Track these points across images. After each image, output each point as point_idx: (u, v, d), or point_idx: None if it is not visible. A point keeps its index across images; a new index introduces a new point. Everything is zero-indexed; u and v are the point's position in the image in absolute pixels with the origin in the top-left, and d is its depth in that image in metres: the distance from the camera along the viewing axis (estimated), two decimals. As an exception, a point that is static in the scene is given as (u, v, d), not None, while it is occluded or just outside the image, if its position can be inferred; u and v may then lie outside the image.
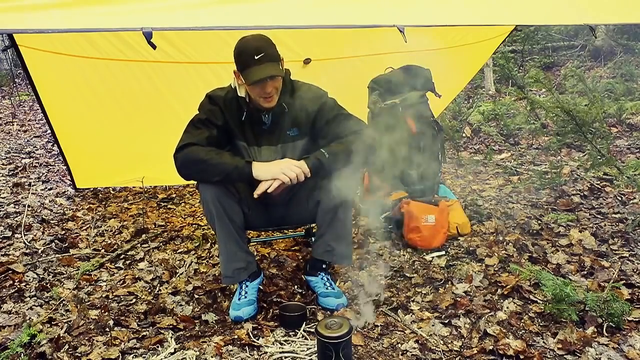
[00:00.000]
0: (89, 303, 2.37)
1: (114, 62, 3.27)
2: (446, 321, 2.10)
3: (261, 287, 2.38)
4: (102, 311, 2.27)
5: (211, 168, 2.04)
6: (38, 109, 7.05)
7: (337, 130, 2.18)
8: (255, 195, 2.07)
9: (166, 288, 2.51)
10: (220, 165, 2.05)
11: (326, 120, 2.21)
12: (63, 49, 3.14)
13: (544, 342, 1.93)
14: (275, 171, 2.05)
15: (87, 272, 2.68)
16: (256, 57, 1.97)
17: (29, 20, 1.44)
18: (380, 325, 2.09)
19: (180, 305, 2.33)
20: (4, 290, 2.49)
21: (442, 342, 1.97)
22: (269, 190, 2.04)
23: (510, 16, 2.26)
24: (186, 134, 2.14)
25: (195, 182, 2.13)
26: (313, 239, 2.39)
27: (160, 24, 1.57)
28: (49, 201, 3.85)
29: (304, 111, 2.21)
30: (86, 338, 2.08)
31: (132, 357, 1.96)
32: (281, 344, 2.01)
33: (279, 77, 2.08)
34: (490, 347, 1.89)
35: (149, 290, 2.50)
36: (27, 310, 2.31)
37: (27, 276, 2.63)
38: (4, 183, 4.29)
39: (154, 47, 1.49)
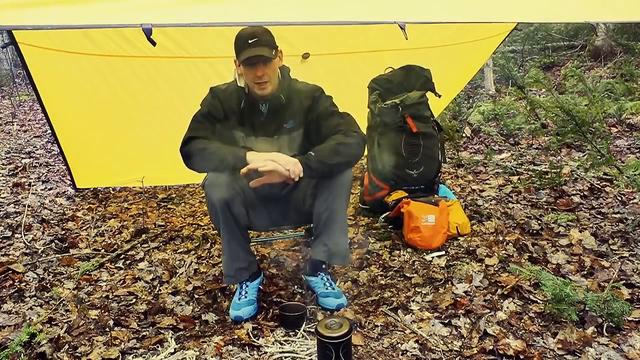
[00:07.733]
0: (89, 303, 2.37)
1: (114, 59, 3.27)
2: (446, 321, 2.10)
3: (261, 287, 2.38)
4: (102, 311, 2.27)
5: (210, 155, 2.08)
6: (38, 109, 7.07)
7: (330, 125, 2.19)
8: (252, 185, 2.05)
9: (166, 288, 2.50)
10: (219, 152, 2.09)
11: (318, 113, 2.23)
12: (63, 46, 3.13)
13: (544, 342, 1.92)
14: (267, 159, 2.04)
15: (87, 272, 2.68)
16: (250, 41, 2.04)
17: (28, 17, 1.43)
18: (380, 325, 2.09)
19: (180, 305, 2.33)
20: (4, 290, 2.48)
21: (442, 342, 1.97)
22: (260, 169, 1.98)
23: (512, 13, 2.25)
24: (190, 129, 2.20)
25: (200, 182, 2.17)
26: (312, 238, 2.39)
27: (160, 20, 1.57)
28: (49, 201, 3.85)
29: (299, 103, 2.25)
30: (86, 338, 2.07)
31: (132, 357, 1.95)
32: (281, 344, 2.01)
33: (271, 64, 2.11)
34: (490, 347, 1.89)
35: (149, 290, 2.49)
36: (27, 310, 2.30)
37: (27, 276, 2.63)
38: (4, 183, 4.29)
39: (153, 43, 1.49)
